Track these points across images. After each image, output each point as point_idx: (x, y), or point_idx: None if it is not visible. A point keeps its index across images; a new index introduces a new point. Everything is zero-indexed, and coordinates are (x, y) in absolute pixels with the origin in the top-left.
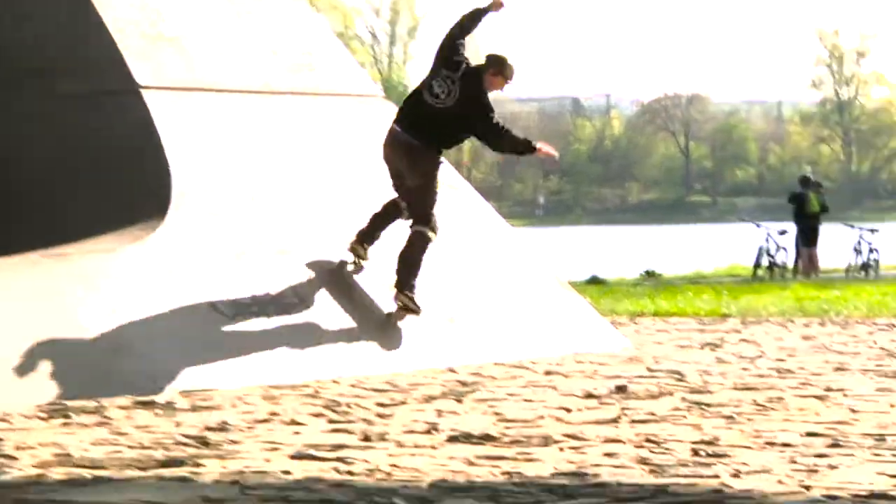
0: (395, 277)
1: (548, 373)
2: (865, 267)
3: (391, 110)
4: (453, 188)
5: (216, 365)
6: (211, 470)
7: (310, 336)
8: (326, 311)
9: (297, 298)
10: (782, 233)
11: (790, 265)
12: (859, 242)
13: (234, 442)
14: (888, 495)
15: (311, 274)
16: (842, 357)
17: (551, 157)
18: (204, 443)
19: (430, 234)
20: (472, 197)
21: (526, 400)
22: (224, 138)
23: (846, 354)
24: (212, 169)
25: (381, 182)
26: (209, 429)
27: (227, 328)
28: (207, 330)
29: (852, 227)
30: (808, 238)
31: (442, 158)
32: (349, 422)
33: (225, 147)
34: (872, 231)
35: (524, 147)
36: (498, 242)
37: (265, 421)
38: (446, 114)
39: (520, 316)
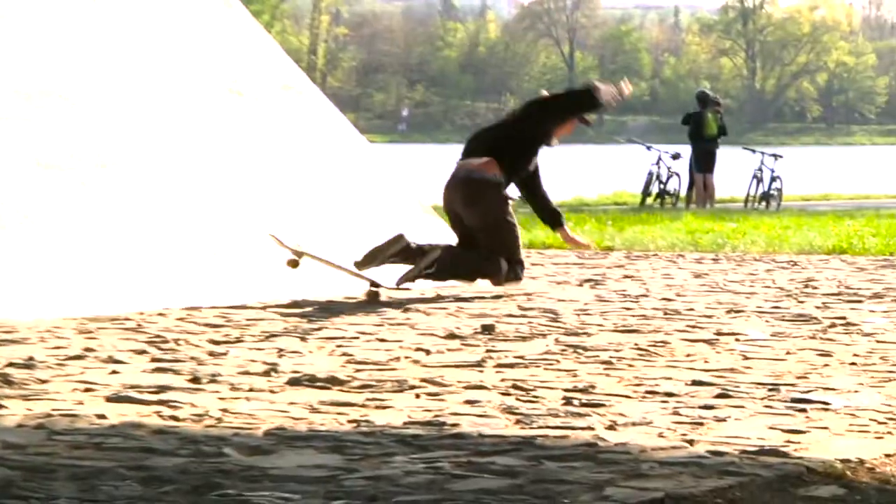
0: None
1: (406, 309)
2: (766, 197)
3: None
4: (292, 89)
5: (22, 291)
6: (13, 412)
7: (133, 261)
8: (152, 232)
9: (118, 218)
10: (675, 157)
11: (683, 193)
12: (760, 169)
13: (41, 381)
14: (780, 451)
15: (135, 191)
16: (736, 297)
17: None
18: (6, 381)
19: (509, 277)
20: (322, 105)
21: (379, 339)
22: (32, 30)
23: (741, 294)
24: (18, 66)
25: (222, 85)
26: (13, 365)
27: (37, 249)
28: (13, 251)
29: (753, 151)
30: (703, 163)
31: (511, 195)
32: (176, 360)
33: (34, 41)
34: (775, 157)
35: (589, 97)
36: (352, 160)
37: (79, 357)
38: (502, 122)
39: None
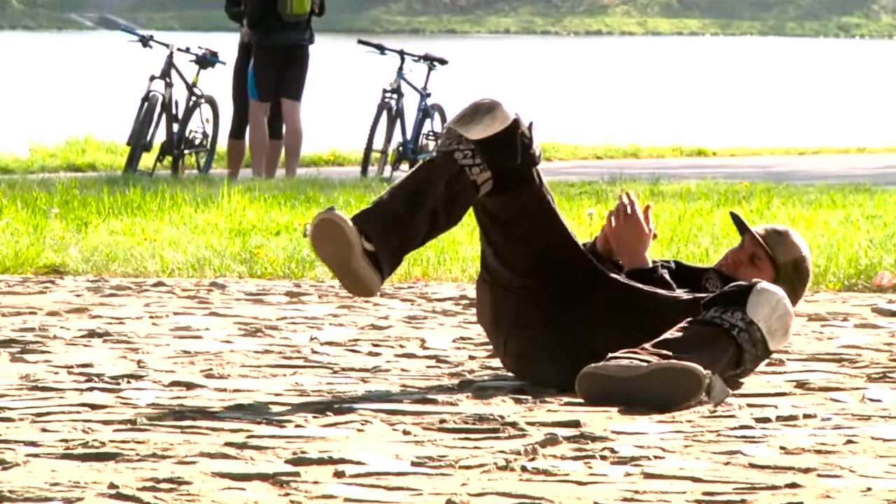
0: None
1: None
2: (410, 152)
3: None
4: None
5: None
6: None
7: None
8: None
9: None
10: (205, 61)
11: (211, 143)
12: (396, 91)
13: None
14: None
15: None
16: None
17: None
18: None
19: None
20: None
21: None
22: None
23: None
24: None
25: None
26: None
27: None
28: None
29: (382, 51)
30: (270, 75)
31: None
32: None
33: None
34: (432, 63)
35: None
36: None
37: None
38: None
39: None
